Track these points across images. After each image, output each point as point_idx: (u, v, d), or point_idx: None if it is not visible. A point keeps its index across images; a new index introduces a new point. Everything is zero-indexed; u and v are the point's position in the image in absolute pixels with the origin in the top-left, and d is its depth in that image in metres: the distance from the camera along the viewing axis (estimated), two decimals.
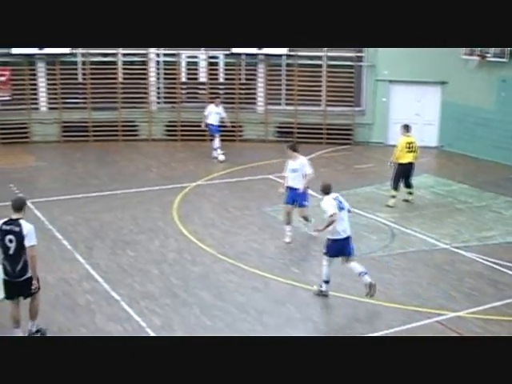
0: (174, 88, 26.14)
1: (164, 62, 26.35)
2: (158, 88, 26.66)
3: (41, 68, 25.46)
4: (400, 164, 17.55)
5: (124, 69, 25.89)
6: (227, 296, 12.25)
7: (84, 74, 25.48)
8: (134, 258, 14.01)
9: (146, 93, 25.90)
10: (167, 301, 12.02)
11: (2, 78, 24.44)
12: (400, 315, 11.57)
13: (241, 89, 25.97)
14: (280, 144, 25.01)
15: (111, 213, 16.76)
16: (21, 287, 10.32)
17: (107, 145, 24.28)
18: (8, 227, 10.19)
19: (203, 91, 26.33)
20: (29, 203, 16.88)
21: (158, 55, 26.15)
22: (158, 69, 26.39)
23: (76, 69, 25.71)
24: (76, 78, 25.84)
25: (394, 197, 17.58)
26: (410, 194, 17.91)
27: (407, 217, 16.75)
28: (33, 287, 10.26)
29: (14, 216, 10.29)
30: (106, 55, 25.96)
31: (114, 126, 25.30)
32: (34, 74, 25.45)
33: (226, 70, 26.31)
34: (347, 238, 12.02)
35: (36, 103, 25.66)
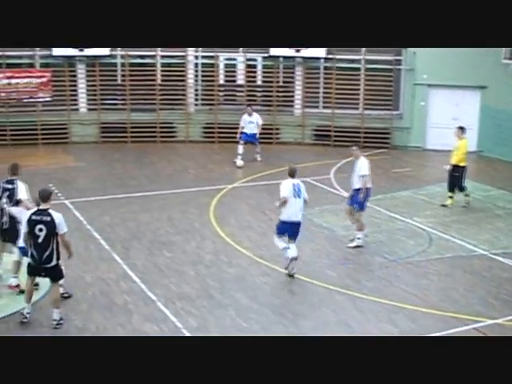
0: (211, 90, 26.24)
1: (202, 63, 26.47)
2: (196, 90, 26.79)
3: (81, 69, 25.73)
4: (462, 166, 17.78)
5: (162, 70, 26.06)
6: (263, 298, 12.26)
7: (123, 76, 25.69)
8: (171, 258, 14.09)
9: (183, 94, 26.04)
10: (203, 302, 12.06)
11: (43, 80, 24.75)
12: (438, 321, 11.47)
13: (278, 91, 25.99)
14: (317, 147, 25.13)
15: (148, 213, 16.88)
16: (46, 272, 10.95)
17: (145, 146, 24.45)
18: (38, 217, 10.62)
19: (241, 93, 26.40)
20: (67, 203, 17.27)
21: (196, 57, 26.27)
22: (196, 71, 26.52)
23: (115, 70, 25.95)
24: (115, 80, 26.08)
25: (451, 197, 17.77)
26: (467, 195, 17.87)
27: (445, 222, 16.61)
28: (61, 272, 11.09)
29: (42, 206, 10.69)
30: (144, 57, 26.18)
31: (152, 128, 25.48)
32: (74, 76, 25.72)
33: (264, 72, 26.36)
34: (293, 223, 12.94)
35: (76, 104, 25.94)
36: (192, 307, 11.82)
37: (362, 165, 14.76)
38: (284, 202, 12.86)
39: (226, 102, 26.65)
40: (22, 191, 12.09)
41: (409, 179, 20.76)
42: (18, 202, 12.10)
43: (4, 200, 12.22)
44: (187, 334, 10.82)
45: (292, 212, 12.90)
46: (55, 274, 11.02)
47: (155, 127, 25.53)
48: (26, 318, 11.10)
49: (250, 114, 22.70)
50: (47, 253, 10.70)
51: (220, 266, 13.69)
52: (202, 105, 26.81)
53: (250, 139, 22.59)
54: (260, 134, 22.98)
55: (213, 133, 25.71)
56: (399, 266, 13.81)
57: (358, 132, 25.28)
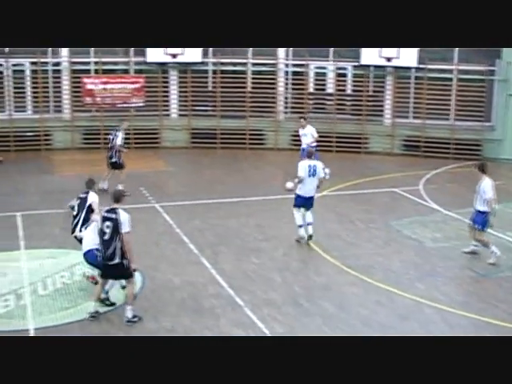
0: (301, 98, 26.32)
1: (292, 72, 26.60)
2: (286, 98, 26.93)
3: (173, 76, 26.26)
4: None
5: (253, 78, 26.32)
6: (350, 308, 12.21)
7: (214, 83, 26.06)
8: (258, 265, 14.19)
9: (273, 102, 26.22)
10: (290, 309, 12.11)
11: (137, 86, 25.34)
12: None
13: (368, 101, 25.88)
14: (406, 157, 24.86)
15: (236, 219, 17.05)
16: (112, 270, 11.51)
17: (234, 152, 24.71)
18: (107, 214, 11.44)
19: (330, 102, 26.40)
20: (158, 207, 17.62)
21: (286, 65, 26.42)
22: (287, 79, 26.67)
23: (207, 77, 26.36)
24: (206, 87, 26.49)
25: None
26: None
27: None
28: (128, 271, 11.44)
29: (113, 206, 11.49)
30: (235, 64, 26.47)
31: (241, 135, 25.73)
32: (167, 82, 26.26)
33: (354, 81, 26.28)
34: (308, 198, 15.43)
35: (167, 110, 26.46)
36: (278, 314, 11.87)
37: (486, 186, 14.51)
38: (300, 181, 15.22)
39: (316, 111, 26.67)
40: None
41: (500, 192, 20.24)
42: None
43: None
44: None
45: (308, 189, 15.36)
46: (121, 272, 11.51)
47: (244, 134, 25.78)
48: (94, 316, 11.55)
49: (303, 127, 22.26)
50: (111, 250, 11.33)
51: (307, 274, 13.72)
52: (292, 113, 26.92)
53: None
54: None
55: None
56: (490, 280, 13.54)
57: (448, 143, 24.94)
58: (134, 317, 11.49)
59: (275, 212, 17.71)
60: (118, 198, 11.63)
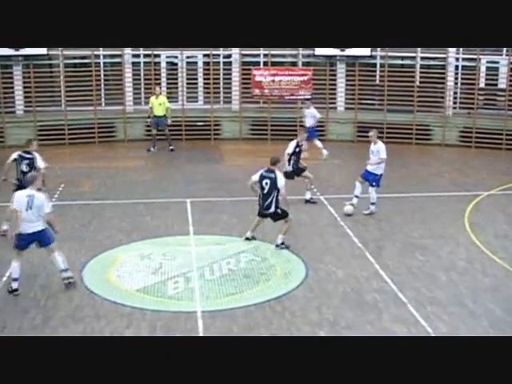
0: (471, 94, 25.62)
1: (462, 66, 25.93)
2: (455, 93, 26.31)
3: (341, 69, 26.30)
4: None
5: (421, 72, 25.91)
6: None
7: (382, 76, 25.89)
8: (423, 262, 14.00)
9: (442, 97, 25.70)
10: (454, 309, 11.85)
11: (305, 78, 25.58)
12: None
13: None
14: None
15: (401, 215, 16.89)
16: (270, 216, 14.54)
17: (400, 147, 24.38)
18: (266, 174, 14.35)
19: (502, 98, 25.52)
20: (323, 199, 17.76)
21: (457, 59, 25.79)
22: (457, 73, 26.03)
23: (375, 71, 26.24)
24: (374, 80, 26.36)
25: None
26: None
27: None
28: (283, 214, 14.40)
29: (271, 167, 14.33)
30: (404, 58, 26.15)
31: (408, 129, 25.41)
32: (334, 75, 26.33)
33: None
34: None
35: (334, 103, 26.56)
36: (443, 313, 11.66)
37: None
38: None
39: (486, 107, 25.90)
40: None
41: None
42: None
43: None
44: None
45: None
46: (277, 218, 14.50)
47: (411, 129, 25.43)
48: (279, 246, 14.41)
49: (308, 107, 23.44)
50: (268, 201, 14.31)
51: (474, 275, 13.38)
52: (460, 108, 26.28)
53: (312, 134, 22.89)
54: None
55: (470, 137, 25.07)
56: None
57: None
58: (283, 243, 14.37)
59: (441, 209, 17.39)
60: (274, 162, 14.41)
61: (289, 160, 17.39)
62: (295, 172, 17.47)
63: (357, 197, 16.77)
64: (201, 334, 10.87)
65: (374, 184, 16.65)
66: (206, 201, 18.07)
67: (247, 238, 14.82)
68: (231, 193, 18.75)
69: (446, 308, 11.88)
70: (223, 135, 26.25)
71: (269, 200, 14.28)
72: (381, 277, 13.17)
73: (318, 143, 23.13)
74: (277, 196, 14.23)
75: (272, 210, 14.34)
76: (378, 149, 16.49)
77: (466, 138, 25.25)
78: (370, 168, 16.68)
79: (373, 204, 16.74)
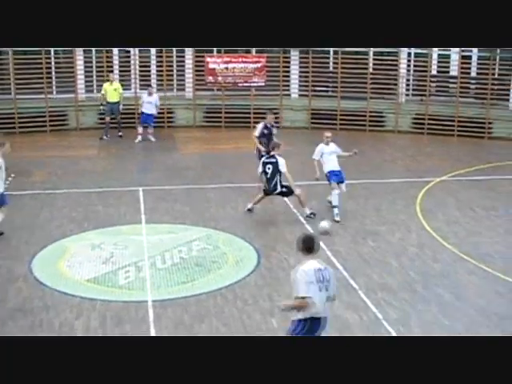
0: (423, 81, 25.81)
1: (415, 53, 26.09)
2: (408, 80, 26.48)
3: (294, 56, 26.27)
4: None
5: (375, 59, 25.98)
6: (467, 297, 11.94)
7: (335, 63, 25.90)
8: (374, 248, 14.09)
9: (395, 84, 25.83)
10: (405, 295, 11.96)
11: (259, 65, 25.50)
12: None
13: (493, 84, 25.07)
14: None
15: (354, 201, 16.95)
16: (278, 194, 15.75)
17: (354, 134, 24.49)
18: (267, 160, 15.48)
19: (453, 85, 25.75)
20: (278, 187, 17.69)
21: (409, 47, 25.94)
22: (409, 61, 26.20)
23: (328, 58, 26.24)
24: (327, 67, 26.38)
25: None
26: None
27: None
28: (288, 191, 15.63)
29: (272, 153, 15.48)
30: None
31: (361, 116, 25.51)
32: (288, 62, 26.31)
33: (479, 64, 25.53)
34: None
35: (288, 90, 26.54)
36: (393, 299, 11.76)
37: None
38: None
39: (438, 94, 26.12)
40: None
41: None
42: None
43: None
44: (387, 326, 10.79)
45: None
46: (283, 194, 15.78)
47: (365, 116, 25.54)
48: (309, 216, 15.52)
49: (150, 94, 23.40)
50: (273, 183, 15.35)
51: (424, 260, 13.51)
52: (413, 95, 26.48)
53: (145, 120, 23.39)
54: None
55: (423, 124, 25.26)
56: None
57: None
58: (312, 213, 15.46)
59: (394, 196, 17.51)
60: (273, 147, 15.64)
61: (260, 143, 17.41)
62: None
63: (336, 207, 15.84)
64: (151, 324, 10.81)
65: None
66: (159, 189, 17.95)
67: (249, 210, 15.79)
68: (185, 181, 18.65)
69: (397, 294, 11.98)
70: (177, 123, 26.08)
71: (273, 182, 15.38)
72: (332, 263, 13.19)
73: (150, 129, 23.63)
74: (280, 178, 15.37)
75: (278, 190, 15.47)
76: (334, 146, 16.16)
77: (418, 125, 25.43)
78: (336, 168, 16.03)
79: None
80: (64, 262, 13.28)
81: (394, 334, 10.53)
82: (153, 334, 10.52)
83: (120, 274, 12.67)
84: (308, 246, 8.49)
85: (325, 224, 12.11)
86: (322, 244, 13.88)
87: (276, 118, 25.29)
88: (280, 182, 15.40)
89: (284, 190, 15.50)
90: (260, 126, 17.61)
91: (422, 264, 13.34)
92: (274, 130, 18.16)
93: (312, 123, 25.58)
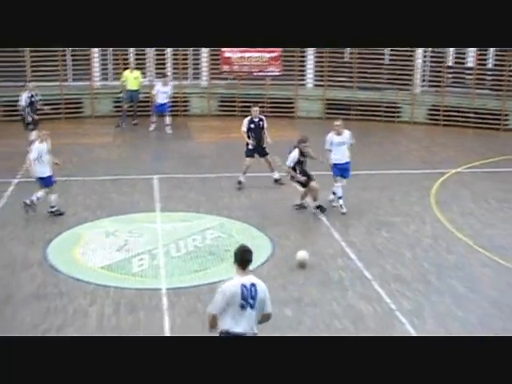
0: (439, 72, 25.67)
1: None
2: (424, 71, 26.35)
3: None
4: None
5: (391, 50, 25.83)
6: (480, 289, 11.92)
7: (351, 54, 25.80)
8: (388, 239, 14.07)
9: (410, 75, 25.70)
10: (419, 286, 11.95)
11: (274, 55, 25.43)
12: None
13: (510, 76, 24.88)
14: None
15: (369, 192, 16.88)
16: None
17: (369, 125, 24.40)
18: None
19: (470, 76, 25.60)
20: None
21: None
22: (425, 51, 26.05)
23: (344, 48, 26.11)
24: (343, 57, 26.26)
25: None
26: None
27: None
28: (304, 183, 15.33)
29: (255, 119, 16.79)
30: None
31: (376, 107, 25.41)
32: (304, 52, 26.21)
33: (496, 55, 25.34)
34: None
35: (303, 80, 26.48)
36: (407, 290, 11.76)
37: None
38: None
39: (454, 85, 25.97)
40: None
41: None
42: None
43: None
44: (401, 317, 10.79)
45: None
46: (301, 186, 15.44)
47: (380, 106, 25.44)
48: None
49: (165, 84, 23.29)
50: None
51: (438, 252, 13.48)
52: (429, 86, 26.35)
53: (160, 110, 23.28)
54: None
55: (438, 115, 25.14)
56: None
57: None
58: (318, 207, 15.20)
59: (408, 187, 17.42)
60: (298, 141, 15.54)
61: (248, 137, 17.37)
62: (256, 151, 17.46)
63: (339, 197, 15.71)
64: (165, 312, 10.86)
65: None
66: (173, 178, 17.97)
67: (298, 205, 15.60)
68: (200, 170, 18.67)
69: (411, 285, 11.97)
70: (192, 111, 26.08)
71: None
72: (347, 254, 13.22)
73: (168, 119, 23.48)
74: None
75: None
76: (347, 135, 15.87)
77: (434, 116, 25.31)
78: (343, 160, 15.72)
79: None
80: (78, 249, 13.35)
81: (407, 325, 10.54)
82: (166, 322, 10.57)
83: (134, 262, 12.72)
84: (242, 259, 7.85)
85: (303, 255, 11.83)
86: (336, 235, 14.07)
87: (291, 108, 25.43)
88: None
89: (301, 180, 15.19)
90: (245, 121, 17.51)
91: (436, 255, 13.30)
92: (265, 124, 17.75)
93: (327, 113, 25.47)
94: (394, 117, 25.47)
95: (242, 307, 7.68)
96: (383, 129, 24.42)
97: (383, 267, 12.69)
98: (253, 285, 7.77)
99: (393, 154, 20.97)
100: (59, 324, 10.49)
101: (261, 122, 17.59)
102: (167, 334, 10.24)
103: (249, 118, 17.56)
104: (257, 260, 12.73)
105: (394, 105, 25.60)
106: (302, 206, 15.60)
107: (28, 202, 14.81)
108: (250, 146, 17.26)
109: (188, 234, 14.03)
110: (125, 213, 15.27)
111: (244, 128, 17.41)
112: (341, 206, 15.41)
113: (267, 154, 17.37)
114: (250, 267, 7.89)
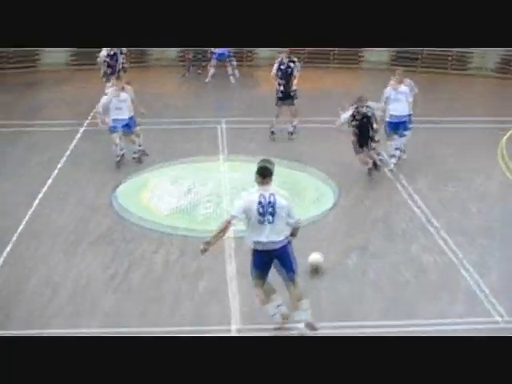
0: None
1: None
2: None
3: None
4: None
5: None
6: None
7: None
8: (453, 193, 13.92)
9: None
10: (483, 241, 11.83)
11: None
12: None
13: None
14: None
15: (434, 146, 16.60)
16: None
17: (435, 77, 23.84)
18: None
19: None
20: None
21: None
22: None
23: None
24: None
25: None
26: None
27: None
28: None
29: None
30: None
31: (444, 58, 24.87)
32: None
33: None
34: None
35: None
36: (471, 244, 11.67)
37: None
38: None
39: None
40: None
41: None
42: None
43: None
44: (462, 271, 10.71)
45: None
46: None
47: (448, 57, 24.88)
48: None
49: None
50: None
51: (504, 206, 13.28)
52: None
53: (220, 57, 22.88)
54: None
55: (509, 67, 24.45)
56: None
57: None
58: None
59: (474, 142, 16.99)
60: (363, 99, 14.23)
61: (279, 84, 16.86)
62: (286, 96, 16.93)
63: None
64: (227, 259, 11.00)
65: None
66: (238, 127, 17.97)
67: (370, 169, 14.37)
68: (266, 118, 18.53)
69: (475, 239, 11.87)
70: (256, 62, 25.93)
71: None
72: (410, 207, 13.14)
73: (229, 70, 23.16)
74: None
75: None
76: (407, 86, 15.24)
77: (504, 70, 24.64)
78: (400, 112, 15.03)
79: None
80: (144, 194, 13.60)
81: (468, 280, 10.48)
82: (228, 268, 10.72)
83: (199, 210, 12.91)
84: (262, 170, 8.59)
85: (317, 259, 10.73)
86: (400, 186, 13.96)
87: (358, 57, 25.09)
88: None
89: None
90: (275, 65, 17.01)
91: (502, 211, 13.12)
92: (295, 69, 16.82)
93: (392, 65, 24.94)
94: (461, 69, 24.88)
95: (261, 215, 8.43)
96: (450, 80, 23.89)
97: (447, 220, 12.58)
98: (272, 194, 8.49)
99: (459, 107, 20.37)
100: (125, 269, 10.76)
101: (289, 69, 16.79)
102: (230, 279, 10.40)
103: (278, 60, 16.97)
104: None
105: (462, 55, 24.97)
106: (375, 167, 14.51)
107: (136, 154, 15.28)
108: (280, 94, 16.86)
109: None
110: (191, 161, 15.40)
111: (274, 71, 16.89)
112: (393, 162, 14.95)
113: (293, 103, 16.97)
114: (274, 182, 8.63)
